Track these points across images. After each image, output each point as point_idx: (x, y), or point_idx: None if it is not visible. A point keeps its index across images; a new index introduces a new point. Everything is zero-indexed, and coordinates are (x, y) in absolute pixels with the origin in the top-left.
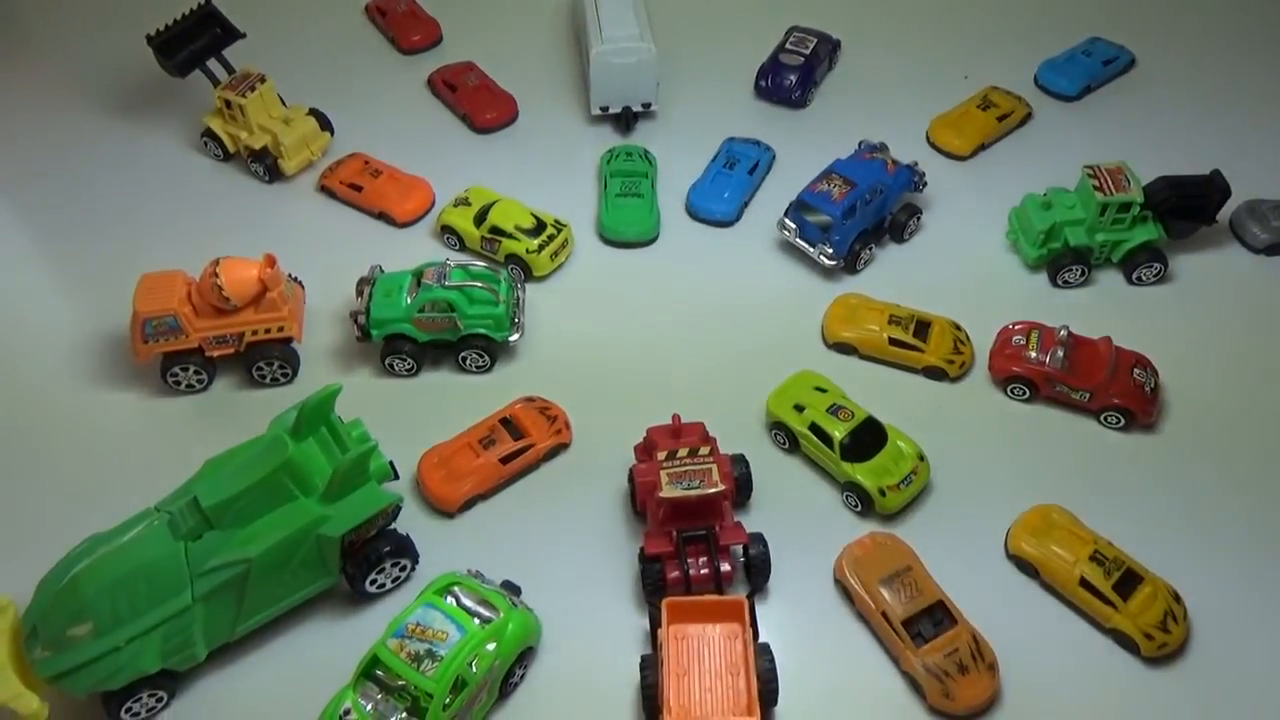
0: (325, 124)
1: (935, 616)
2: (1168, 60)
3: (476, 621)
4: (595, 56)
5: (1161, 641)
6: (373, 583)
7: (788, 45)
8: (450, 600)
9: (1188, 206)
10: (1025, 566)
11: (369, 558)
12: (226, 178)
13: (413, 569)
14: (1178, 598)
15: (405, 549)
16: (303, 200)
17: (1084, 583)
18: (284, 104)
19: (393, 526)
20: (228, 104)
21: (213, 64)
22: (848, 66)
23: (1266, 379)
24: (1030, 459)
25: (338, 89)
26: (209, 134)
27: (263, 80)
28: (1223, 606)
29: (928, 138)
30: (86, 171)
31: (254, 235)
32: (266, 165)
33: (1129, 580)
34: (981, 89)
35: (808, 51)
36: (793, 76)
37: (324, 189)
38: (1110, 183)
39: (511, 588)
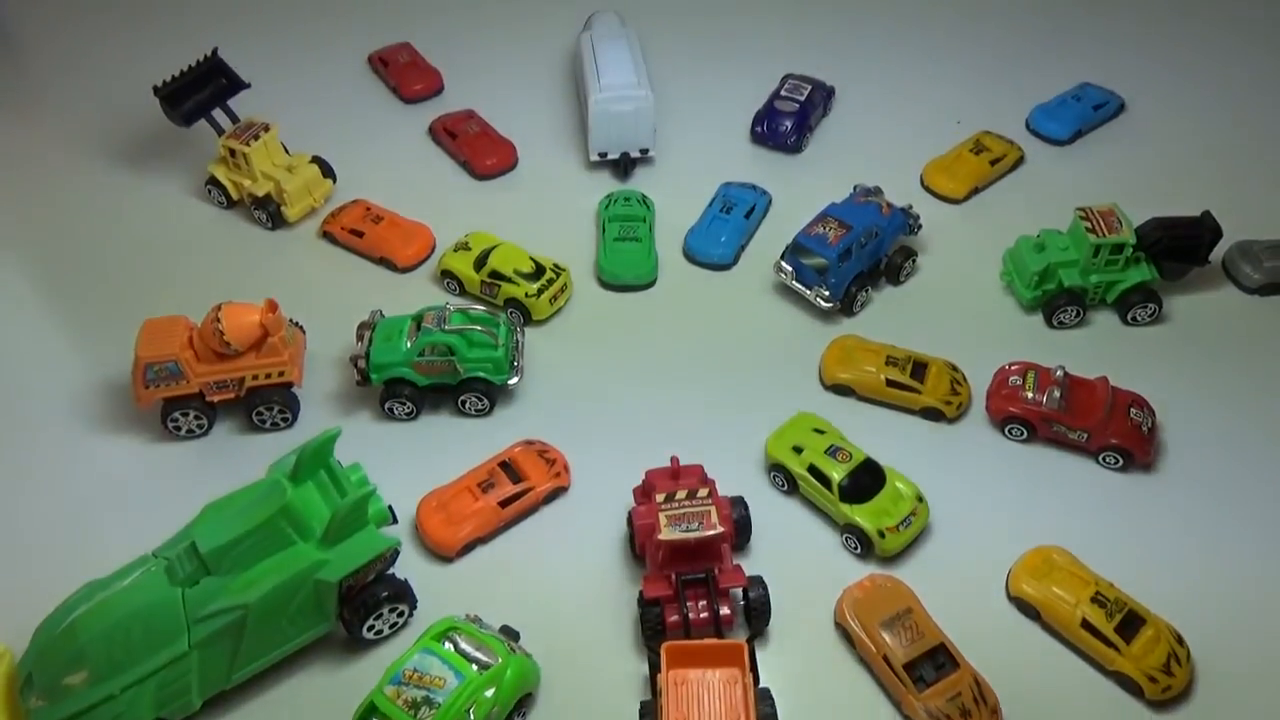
0: (328, 171)
1: (937, 659)
2: (1156, 105)
3: (475, 667)
4: (594, 104)
5: (1165, 684)
6: (370, 629)
7: (783, 92)
8: (448, 646)
9: (1180, 247)
10: (1027, 608)
11: (366, 603)
12: (229, 225)
13: (410, 614)
14: (1181, 640)
15: (403, 594)
16: (305, 246)
17: (1086, 624)
18: (287, 152)
19: (391, 571)
20: (232, 152)
21: (218, 113)
22: (842, 113)
23: (1263, 419)
24: (1029, 500)
25: (341, 137)
26: (213, 182)
27: (266, 129)
28: (1226, 648)
29: (922, 181)
30: (92, 219)
31: (256, 281)
32: (269, 212)
33: (1131, 622)
34: (974, 133)
35: (802, 98)
36: (788, 122)
37: (326, 235)
38: (1102, 224)
39: (510, 633)
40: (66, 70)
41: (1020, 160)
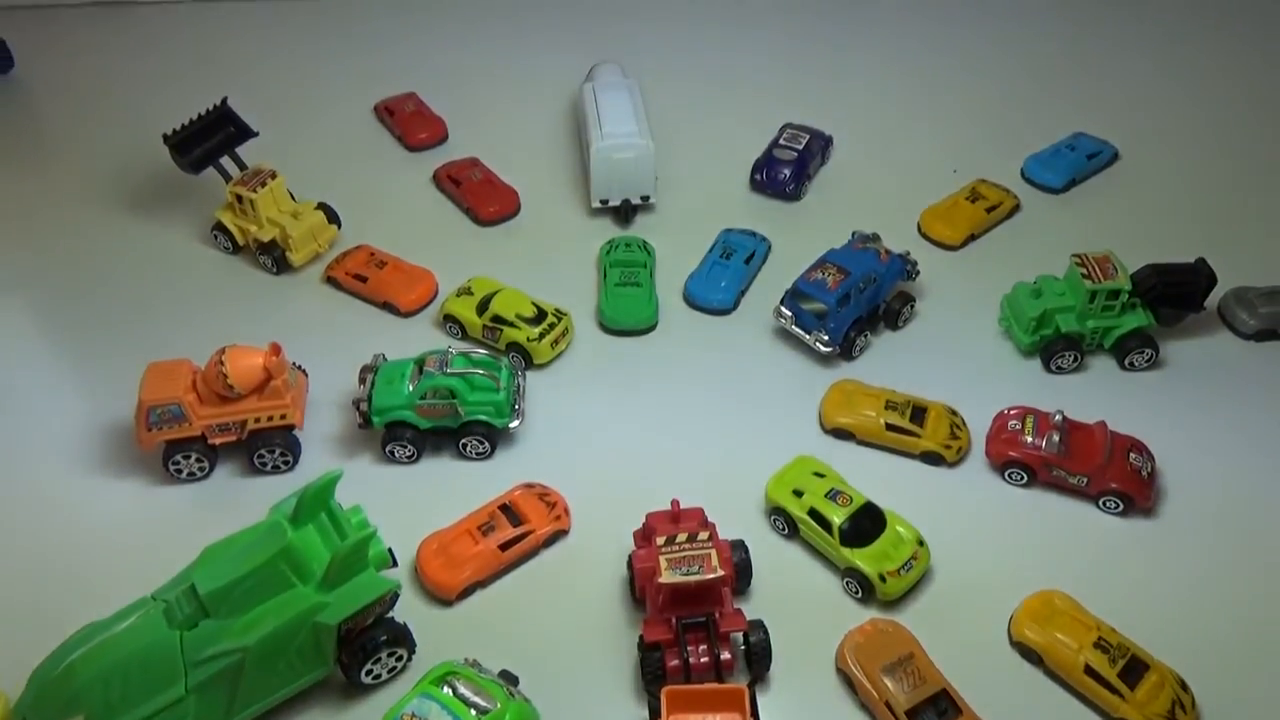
0: (333, 217)
1: (939, 705)
2: (1149, 154)
3: (473, 712)
4: (595, 152)
5: None
6: (368, 673)
7: (781, 141)
8: (447, 690)
9: (1176, 293)
10: (1029, 653)
11: (365, 647)
12: (235, 270)
13: (409, 658)
14: (1185, 686)
15: (402, 638)
16: (309, 291)
17: (1089, 670)
18: (293, 198)
19: (390, 614)
20: (239, 198)
21: (226, 161)
22: (840, 161)
23: (1262, 463)
24: (1030, 544)
25: (347, 184)
26: (219, 227)
27: (274, 176)
28: (1230, 695)
29: (919, 228)
30: (99, 263)
31: (260, 325)
32: (275, 257)
33: (1135, 668)
34: (970, 182)
35: (801, 147)
36: (787, 170)
37: (330, 280)
38: (1098, 270)
39: (509, 677)
40: (77, 117)
41: (1016, 208)
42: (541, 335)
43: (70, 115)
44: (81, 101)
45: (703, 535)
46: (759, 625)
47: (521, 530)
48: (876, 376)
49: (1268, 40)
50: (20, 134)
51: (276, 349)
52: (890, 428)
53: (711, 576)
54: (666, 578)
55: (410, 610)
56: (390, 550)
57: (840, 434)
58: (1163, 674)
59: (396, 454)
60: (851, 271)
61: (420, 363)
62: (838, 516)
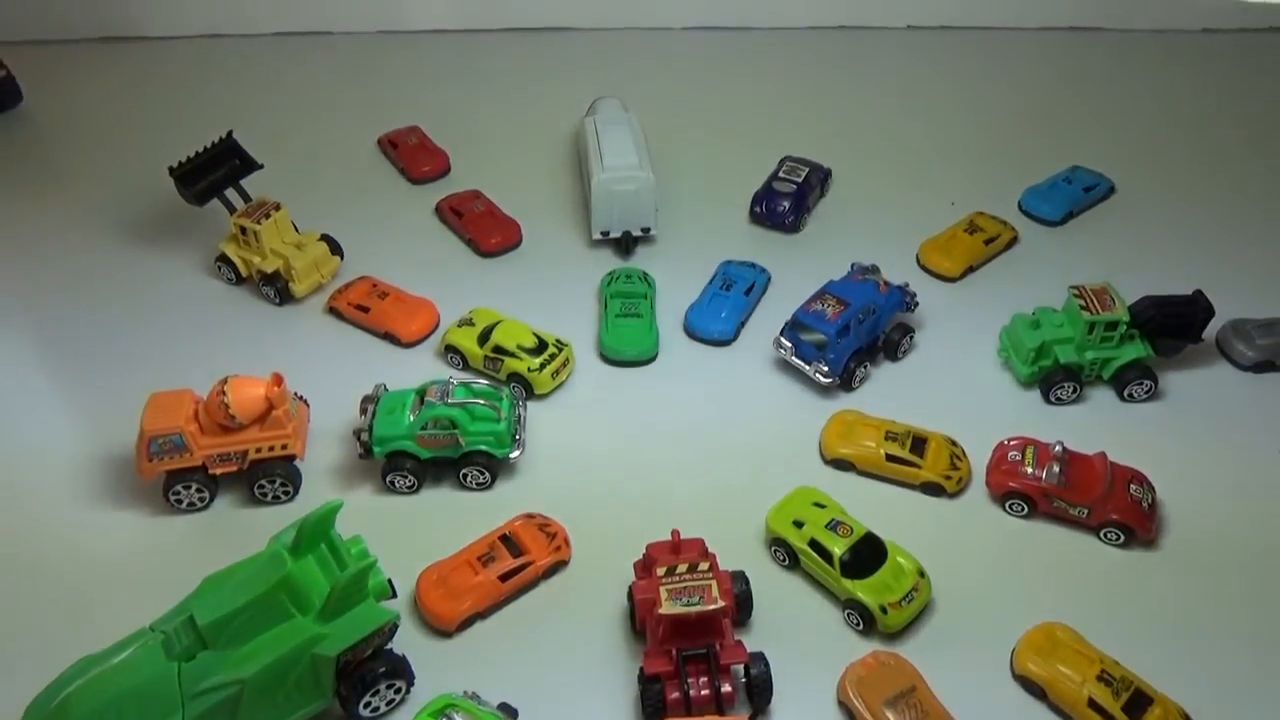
0: (336, 249)
1: None
2: (1146, 187)
3: None
4: (596, 184)
5: None
6: (366, 705)
7: (781, 174)
8: None
9: (1174, 325)
10: (1032, 687)
11: (364, 679)
12: (238, 301)
13: (408, 690)
14: (1188, 719)
15: (401, 670)
16: (311, 322)
17: (1093, 704)
18: (297, 230)
19: (389, 646)
20: (243, 230)
21: (230, 193)
22: (839, 194)
23: (1262, 494)
24: (1032, 575)
25: (350, 216)
26: (223, 259)
27: (277, 208)
28: None
29: (917, 260)
30: (104, 294)
31: (262, 356)
32: (277, 288)
33: (1138, 701)
34: (968, 214)
35: (800, 179)
36: (786, 203)
37: (332, 310)
38: (1096, 302)
39: (508, 710)
40: (84, 150)
41: (1014, 240)
42: (542, 366)
43: (77, 148)
44: (88, 134)
45: (703, 566)
46: (760, 657)
47: (522, 561)
48: (876, 407)
49: (1262, 73)
50: (28, 167)
51: (278, 379)
52: (890, 458)
53: (712, 607)
54: (667, 609)
55: (409, 642)
56: (390, 581)
57: (840, 465)
58: (1166, 707)
59: (397, 484)
60: (851, 303)
61: (421, 393)
62: (838, 547)
